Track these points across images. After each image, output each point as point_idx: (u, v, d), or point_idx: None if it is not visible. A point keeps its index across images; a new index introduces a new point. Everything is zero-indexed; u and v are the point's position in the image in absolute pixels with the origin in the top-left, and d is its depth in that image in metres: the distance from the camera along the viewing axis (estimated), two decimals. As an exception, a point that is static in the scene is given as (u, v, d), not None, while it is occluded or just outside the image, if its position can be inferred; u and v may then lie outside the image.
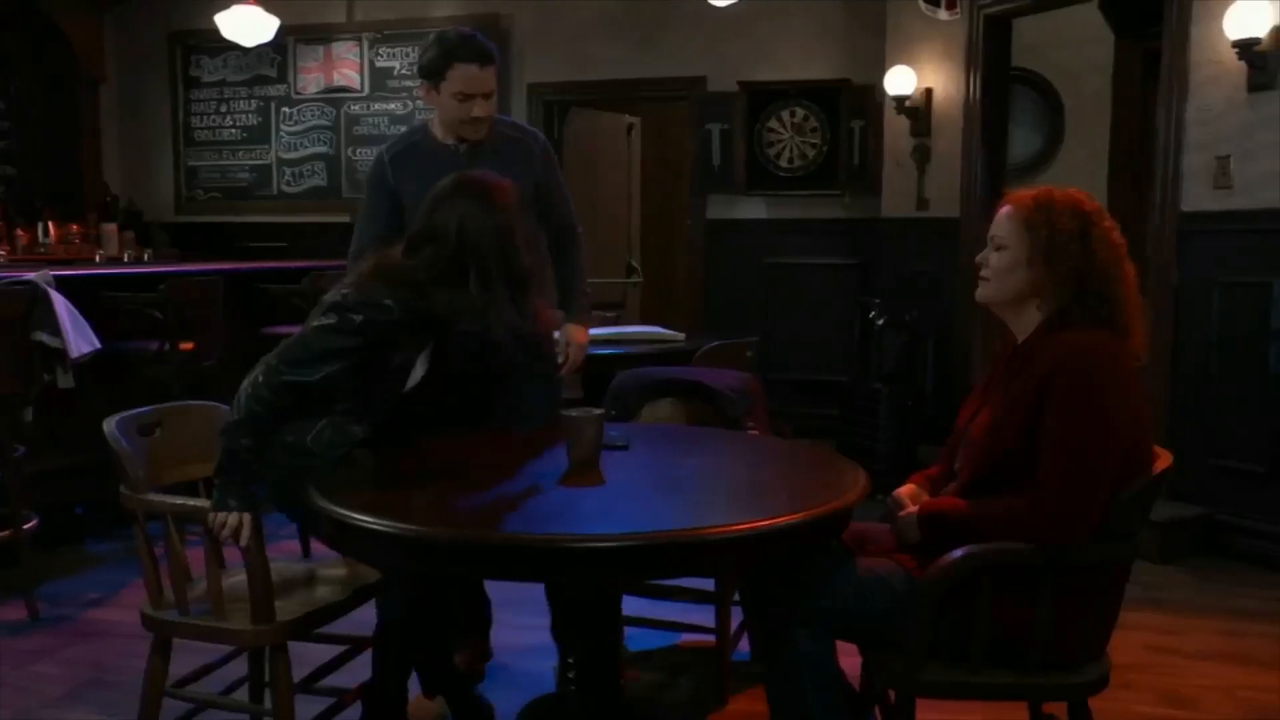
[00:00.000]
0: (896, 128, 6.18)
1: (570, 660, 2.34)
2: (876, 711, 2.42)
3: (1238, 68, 4.44)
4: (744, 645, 3.01)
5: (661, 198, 8.95)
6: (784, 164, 7.11)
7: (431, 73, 2.82)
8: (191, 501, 2.40)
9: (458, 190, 2.38)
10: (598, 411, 2.36)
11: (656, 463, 2.46)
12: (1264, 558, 4.30)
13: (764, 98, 7.08)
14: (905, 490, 2.38)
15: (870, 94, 6.72)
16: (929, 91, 5.95)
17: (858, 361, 5.86)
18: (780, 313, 7.03)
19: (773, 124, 7.11)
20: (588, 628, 2.34)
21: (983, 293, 2.30)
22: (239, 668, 2.77)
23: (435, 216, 2.36)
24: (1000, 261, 2.24)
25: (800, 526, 1.94)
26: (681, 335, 4.69)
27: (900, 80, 5.89)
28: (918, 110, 5.97)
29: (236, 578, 2.46)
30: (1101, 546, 2.08)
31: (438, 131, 2.94)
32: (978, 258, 2.32)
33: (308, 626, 2.44)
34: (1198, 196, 4.62)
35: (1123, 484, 2.07)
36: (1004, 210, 2.27)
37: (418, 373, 2.44)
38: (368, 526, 1.94)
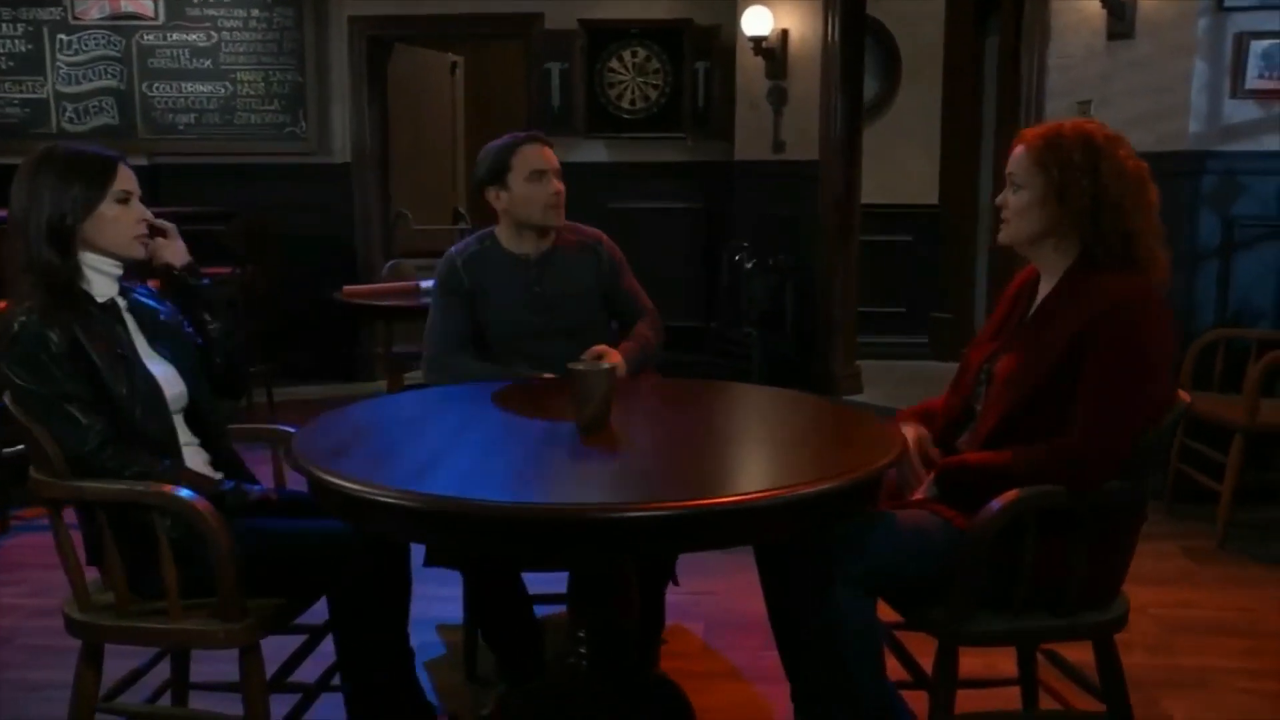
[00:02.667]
0: (751, 70, 6.13)
1: (581, 634, 2.16)
2: None
3: (1098, 15, 4.61)
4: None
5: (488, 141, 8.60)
6: (626, 106, 6.94)
7: (497, 171, 2.84)
8: (142, 486, 2.04)
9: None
10: (608, 365, 2.17)
11: (665, 420, 2.29)
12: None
13: (604, 37, 6.87)
14: (910, 434, 2.31)
15: (715, 35, 6.64)
16: (785, 33, 5.92)
17: (727, 306, 5.82)
18: (627, 256, 6.88)
19: (614, 64, 6.92)
20: (602, 598, 2.16)
21: (1003, 234, 2.25)
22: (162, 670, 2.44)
23: None
24: (1018, 202, 2.19)
25: (857, 486, 1.83)
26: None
27: (757, 21, 5.82)
28: (774, 52, 5.92)
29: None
30: (1132, 485, 2.08)
31: (506, 240, 2.92)
32: (997, 200, 2.26)
33: (284, 619, 2.14)
34: (1060, 140, 4.79)
35: (1151, 423, 2.08)
36: (1018, 149, 2.22)
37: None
38: (402, 505, 1.70)
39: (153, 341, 2.27)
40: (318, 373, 6.89)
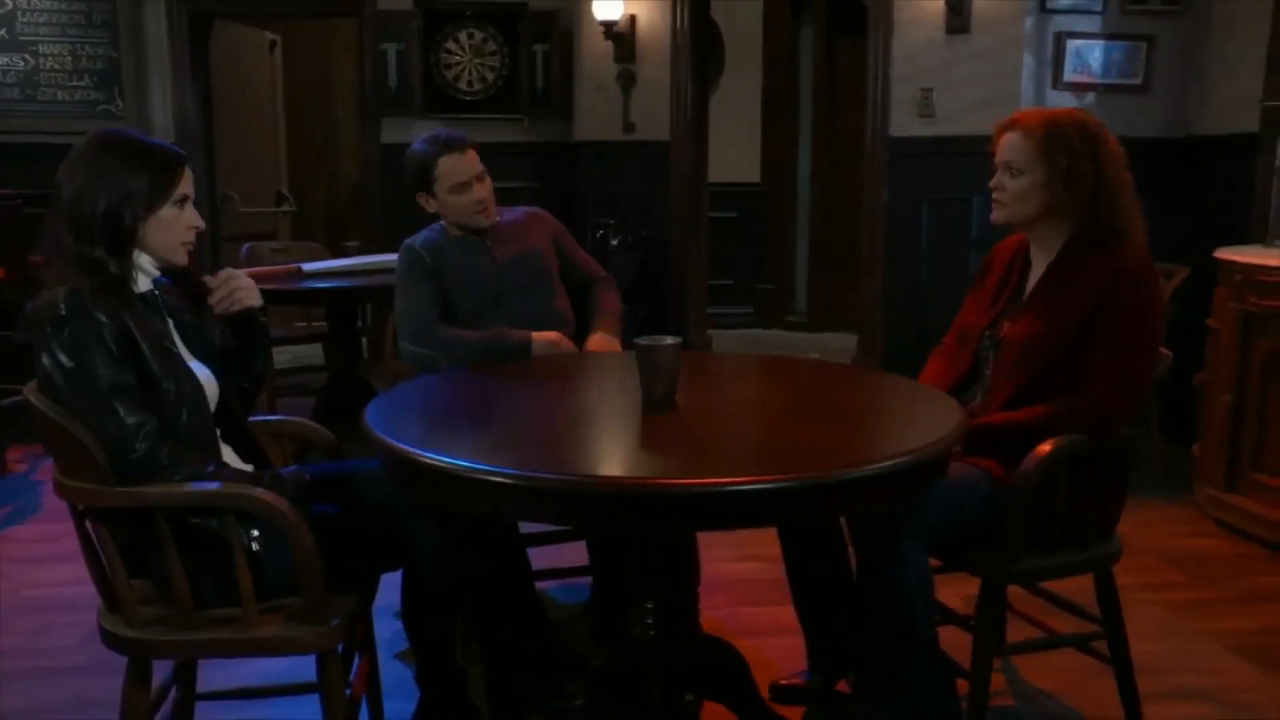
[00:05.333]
0: (598, 53, 6.05)
1: (649, 605, 2.10)
2: None
3: (938, 11, 4.86)
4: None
5: (314, 122, 8.11)
6: (464, 87, 6.69)
7: (421, 183, 2.79)
8: (213, 488, 1.79)
9: None
10: (672, 340, 2.09)
11: (723, 395, 2.24)
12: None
13: (441, 18, 6.59)
14: None
15: (554, 19, 6.52)
16: (634, 18, 5.88)
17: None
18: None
19: (450, 46, 6.66)
20: (666, 570, 2.10)
21: (999, 215, 2.33)
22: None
23: None
24: (1018, 186, 2.28)
25: (939, 456, 1.85)
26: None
27: (607, 6, 5.76)
28: (623, 37, 5.88)
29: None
30: (1135, 430, 2.23)
31: (454, 230, 2.86)
32: (991, 182, 2.33)
33: (360, 615, 1.96)
34: (905, 124, 5.03)
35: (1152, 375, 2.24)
36: (1013, 135, 2.29)
37: None
38: (499, 481, 1.58)
39: (185, 339, 2.02)
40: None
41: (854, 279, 6.94)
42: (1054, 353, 2.21)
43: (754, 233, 7.34)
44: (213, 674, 2.39)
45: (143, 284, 1.95)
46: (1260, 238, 4.20)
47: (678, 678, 2.08)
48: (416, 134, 6.56)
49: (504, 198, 7.71)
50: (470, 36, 6.66)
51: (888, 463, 1.69)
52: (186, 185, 1.95)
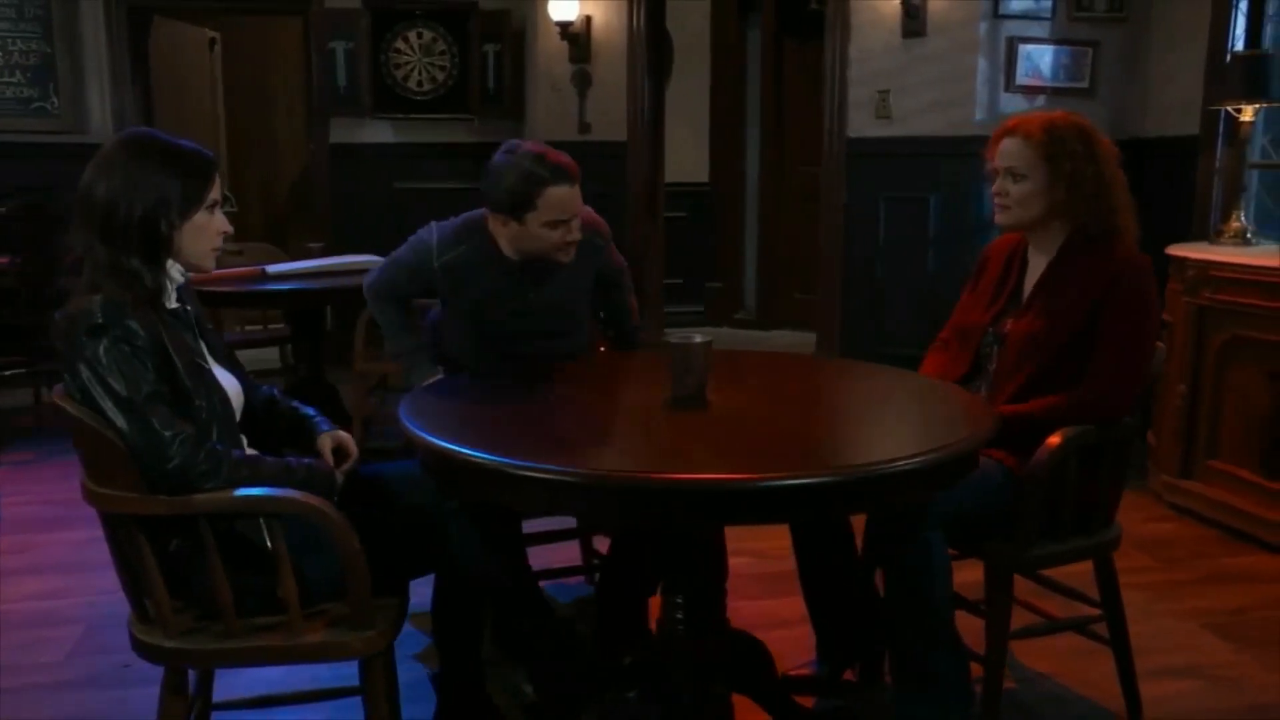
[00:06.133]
0: (553, 53, 6.04)
1: (679, 600, 2.11)
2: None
3: (894, 14, 4.96)
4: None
5: (253, 121, 7.93)
6: (413, 86, 6.62)
7: (515, 204, 2.37)
8: (259, 493, 1.76)
9: None
10: (702, 337, 2.11)
11: (749, 392, 2.26)
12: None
13: (389, 17, 6.52)
14: None
15: (505, 19, 6.49)
16: (589, 19, 5.88)
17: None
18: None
19: (400, 45, 6.58)
20: (695, 566, 2.12)
21: (1004, 219, 2.39)
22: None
23: None
24: (1021, 191, 2.34)
25: (976, 448, 1.90)
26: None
27: (563, 7, 5.76)
28: (579, 37, 5.88)
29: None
30: (1133, 420, 2.32)
31: (505, 248, 2.50)
32: (994, 187, 2.40)
33: (402, 618, 1.94)
34: (862, 124, 5.12)
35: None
36: (1013, 141, 2.35)
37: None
38: (554, 479, 1.60)
39: (209, 346, 1.97)
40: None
41: (804, 278, 7.07)
42: (1057, 347, 2.28)
43: (703, 232, 7.40)
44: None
45: (171, 297, 1.90)
46: (1202, 235, 4.38)
47: (711, 671, 2.11)
48: (366, 134, 6.58)
49: (452, 198, 7.66)
50: (420, 36, 6.59)
51: (930, 455, 1.73)
52: (217, 189, 1.91)
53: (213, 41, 7.36)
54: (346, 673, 2.54)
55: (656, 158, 5.95)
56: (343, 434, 2.11)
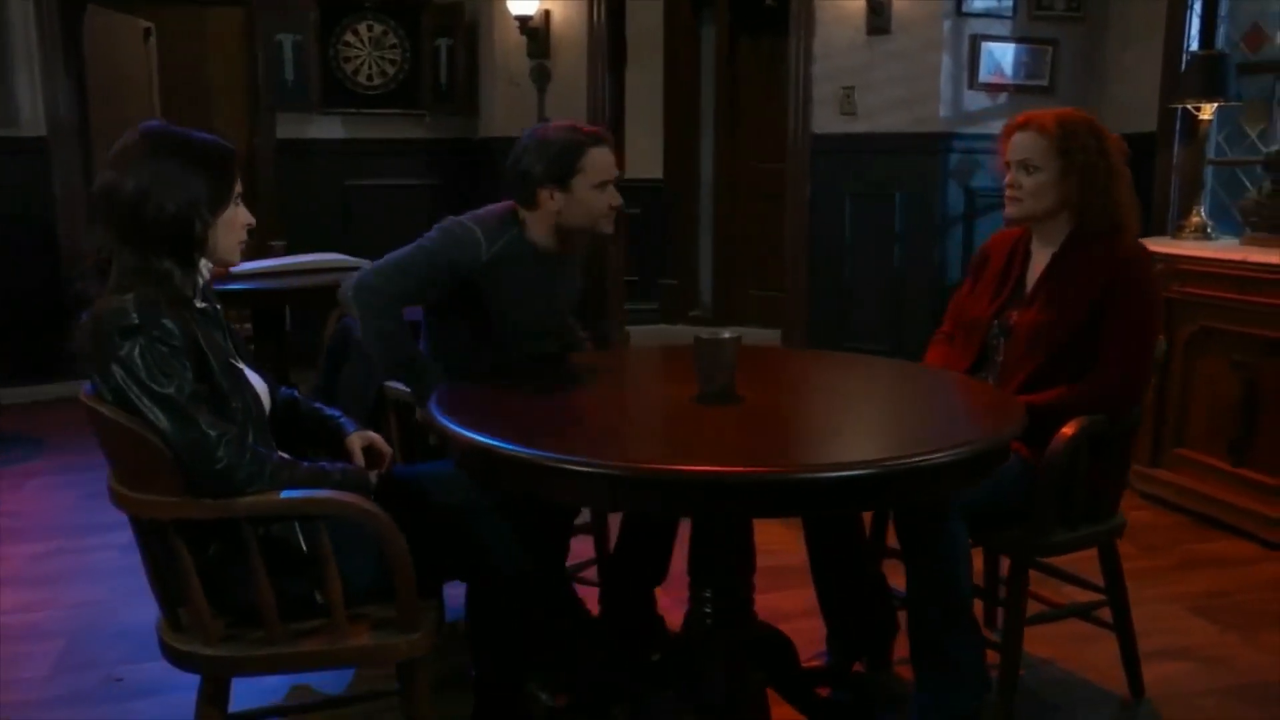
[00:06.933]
0: (510, 47, 6.03)
1: (707, 594, 2.14)
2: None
3: (859, 12, 5.06)
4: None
5: (191, 115, 7.74)
6: (364, 81, 6.56)
7: (560, 172, 2.39)
8: (303, 495, 1.74)
9: None
10: (730, 334, 2.15)
11: (775, 388, 2.30)
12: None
13: (338, 9, 6.44)
14: None
15: (459, 13, 6.45)
16: (548, 13, 5.88)
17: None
18: (366, 235, 6.54)
19: (349, 38, 6.50)
20: (724, 559, 2.15)
21: (1015, 211, 2.47)
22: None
23: None
24: (1033, 183, 2.42)
25: (1010, 439, 1.96)
26: (357, 261, 4.28)
27: (522, 2, 5.75)
28: (538, 31, 5.87)
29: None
30: (1138, 409, 2.42)
31: (537, 236, 2.49)
32: (1007, 179, 2.47)
33: (441, 625, 1.94)
34: (826, 121, 5.21)
35: (1151, 356, 2.43)
36: (1026, 134, 2.43)
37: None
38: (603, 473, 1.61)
39: (236, 347, 1.95)
40: (16, 374, 5.80)
41: (761, 275, 7.16)
42: (1064, 338, 2.36)
43: (657, 229, 7.43)
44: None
45: (199, 295, 1.88)
46: (1160, 231, 4.56)
47: (744, 661, 2.15)
48: (315, 130, 6.48)
49: (404, 196, 7.58)
50: (370, 29, 6.52)
51: (971, 446, 1.79)
52: (237, 180, 1.89)
53: (148, 32, 7.17)
54: (341, 680, 2.56)
55: (619, 153, 5.96)
56: (373, 435, 2.10)
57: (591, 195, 2.44)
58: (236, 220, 1.89)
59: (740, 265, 7.34)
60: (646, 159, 7.34)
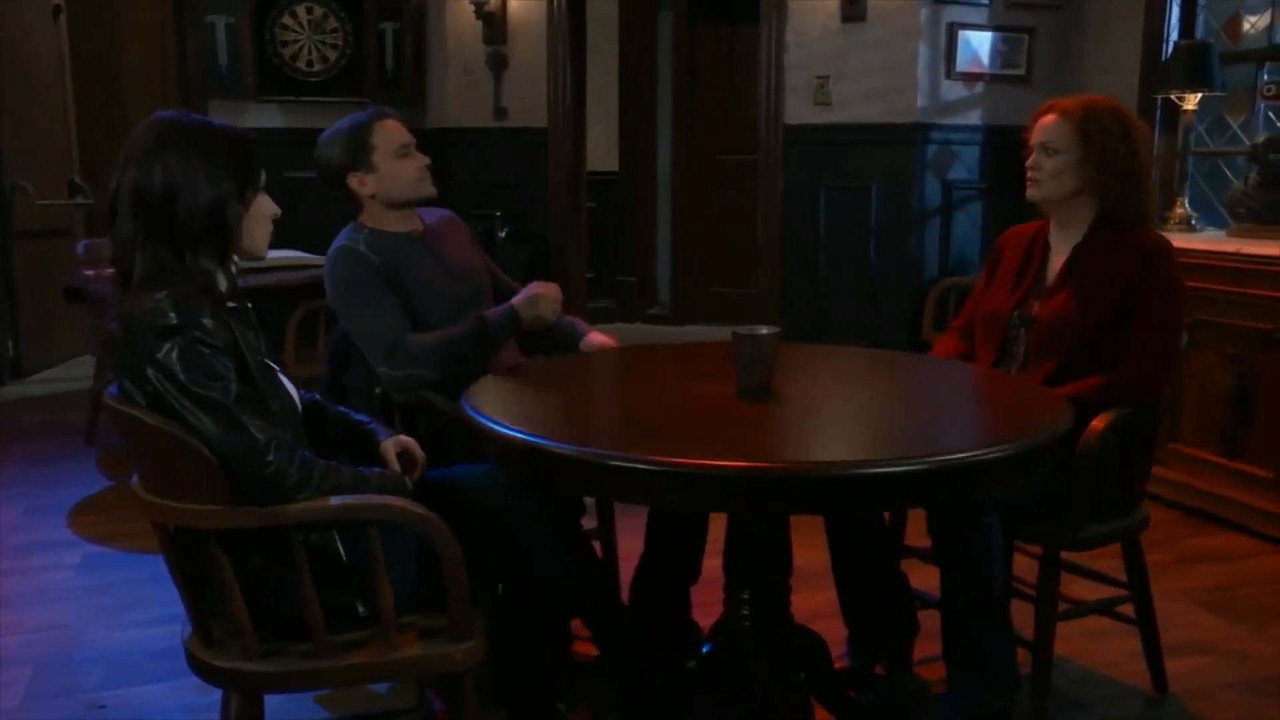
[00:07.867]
0: (464, 33, 6.03)
1: (744, 596, 2.20)
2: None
3: (833, -2, 5.17)
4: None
5: (106, 101, 7.57)
6: (303, 67, 6.51)
7: (355, 158, 2.61)
8: (358, 500, 1.75)
9: None
10: (768, 329, 2.20)
11: (816, 386, 2.36)
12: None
13: (275, -10, 6.38)
14: None
15: (406, -5, 6.43)
16: (505, -1, 5.90)
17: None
18: (309, 231, 6.47)
19: (287, 20, 6.44)
20: (762, 560, 2.21)
21: (1035, 193, 2.58)
22: None
23: None
24: (1054, 165, 2.53)
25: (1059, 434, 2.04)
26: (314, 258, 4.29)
27: (478, -15, 5.76)
28: (494, 17, 5.88)
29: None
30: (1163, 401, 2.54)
31: (383, 225, 2.68)
32: (1028, 162, 2.58)
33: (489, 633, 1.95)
34: (800, 111, 5.31)
35: (1176, 347, 2.55)
36: (1052, 118, 2.55)
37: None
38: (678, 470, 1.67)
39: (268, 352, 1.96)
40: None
41: (722, 271, 7.24)
42: (1090, 328, 2.47)
43: (613, 223, 7.48)
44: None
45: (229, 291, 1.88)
46: (1139, 223, 4.72)
47: (785, 663, 2.21)
48: (251, 118, 6.39)
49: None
50: (310, 11, 6.47)
51: (1023, 441, 1.87)
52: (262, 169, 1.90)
53: (57, 10, 7.00)
54: (352, 701, 2.56)
55: (579, 145, 6.01)
56: (406, 439, 2.11)
57: (396, 165, 2.62)
58: (264, 209, 1.90)
59: (701, 261, 7.42)
60: (602, 152, 7.38)
